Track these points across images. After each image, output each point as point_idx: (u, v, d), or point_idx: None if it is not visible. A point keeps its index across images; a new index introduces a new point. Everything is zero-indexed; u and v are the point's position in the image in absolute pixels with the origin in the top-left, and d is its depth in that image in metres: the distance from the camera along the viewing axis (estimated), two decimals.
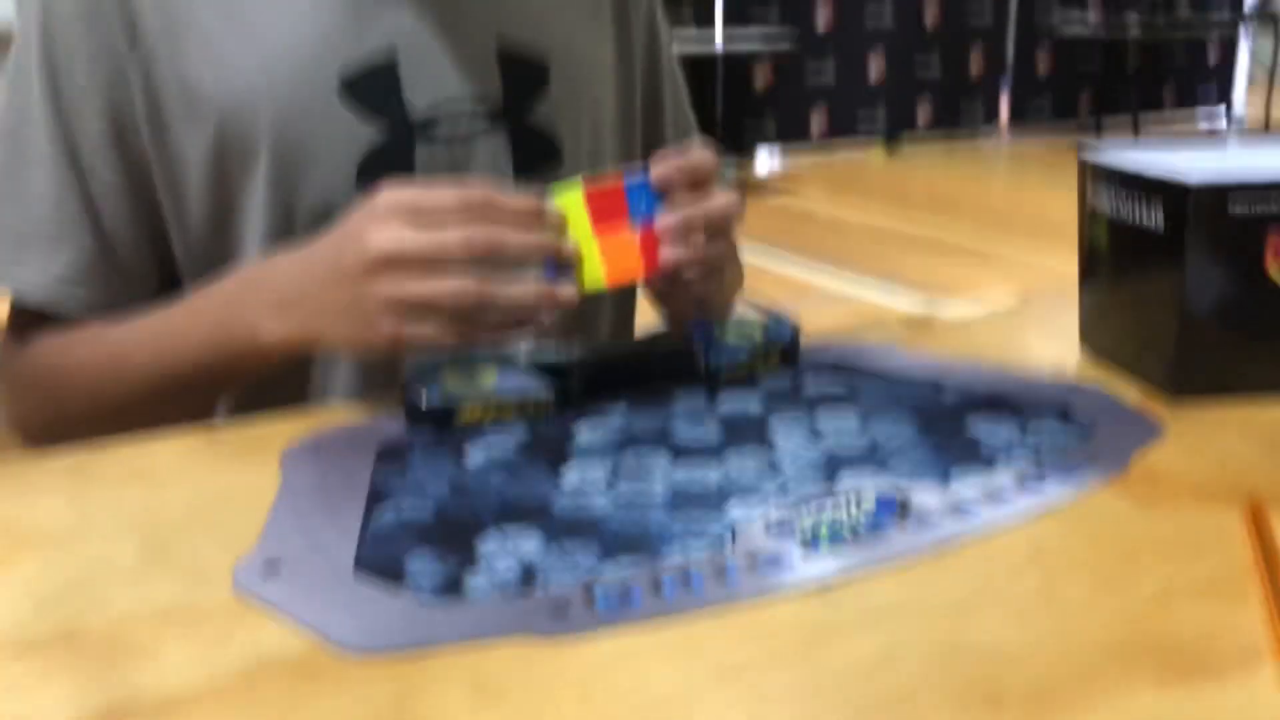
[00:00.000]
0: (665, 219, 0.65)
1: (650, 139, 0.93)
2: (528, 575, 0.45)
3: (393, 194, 0.62)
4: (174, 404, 0.72)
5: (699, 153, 0.67)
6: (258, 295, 0.67)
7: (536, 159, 0.80)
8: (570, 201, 0.64)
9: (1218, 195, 0.61)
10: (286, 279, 0.66)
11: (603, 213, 0.64)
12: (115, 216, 0.73)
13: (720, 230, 0.68)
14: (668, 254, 0.65)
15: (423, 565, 0.46)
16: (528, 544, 0.48)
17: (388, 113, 0.74)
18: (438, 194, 0.61)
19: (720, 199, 0.67)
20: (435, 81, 0.75)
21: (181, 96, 0.71)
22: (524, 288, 0.61)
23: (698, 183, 0.67)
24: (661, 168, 0.65)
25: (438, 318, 0.61)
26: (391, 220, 0.61)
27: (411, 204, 0.61)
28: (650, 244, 0.65)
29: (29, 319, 0.75)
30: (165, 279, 0.78)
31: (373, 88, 0.73)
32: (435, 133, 0.76)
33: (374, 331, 0.62)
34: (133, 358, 0.72)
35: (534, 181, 0.80)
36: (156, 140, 0.72)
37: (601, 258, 0.64)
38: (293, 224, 0.74)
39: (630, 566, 0.45)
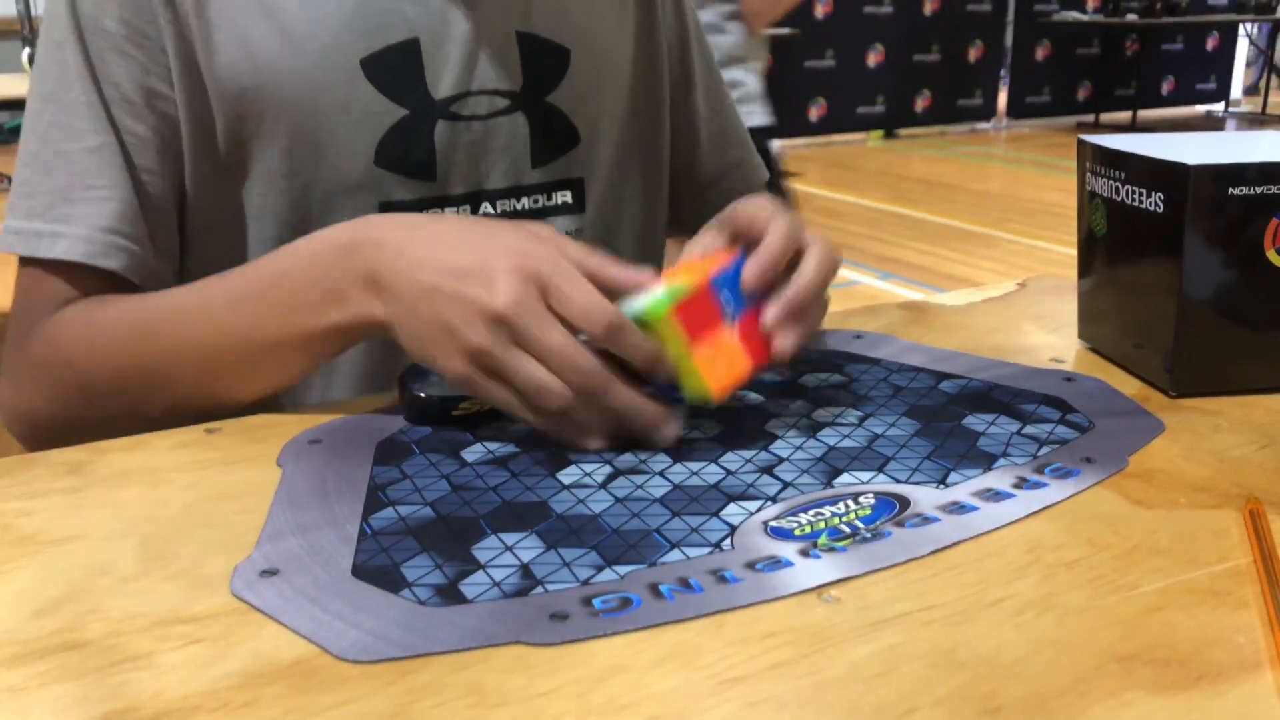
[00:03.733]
0: (771, 314, 0.61)
1: (683, 118, 0.94)
2: (527, 582, 0.45)
3: (545, 260, 0.57)
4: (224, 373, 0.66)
5: (779, 231, 0.63)
6: (361, 258, 0.61)
7: (555, 142, 0.82)
8: (660, 319, 0.57)
9: (1218, 177, 0.61)
10: (396, 256, 0.60)
11: (695, 321, 0.57)
12: (147, 171, 0.73)
13: (819, 294, 0.63)
14: (780, 344, 0.61)
15: (421, 571, 0.46)
16: (526, 549, 0.48)
17: (408, 90, 0.75)
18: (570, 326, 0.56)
19: (812, 266, 0.62)
20: (456, 68, 0.77)
21: (209, 68, 0.72)
22: (626, 401, 0.57)
23: (789, 258, 0.63)
24: (753, 269, 0.61)
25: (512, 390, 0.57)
26: (530, 289, 0.56)
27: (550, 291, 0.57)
28: (750, 331, 0.60)
29: (48, 293, 0.71)
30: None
31: (394, 66, 0.75)
32: (455, 112, 0.77)
33: (448, 361, 0.57)
34: (213, 301, 0.66)
35: (551, 163, 0.80)
36: (190, 107, 0.72)
37: (703, 369, 0.58)
38: (309, 201, 0.75)
39: (629, 572, 0.45)
